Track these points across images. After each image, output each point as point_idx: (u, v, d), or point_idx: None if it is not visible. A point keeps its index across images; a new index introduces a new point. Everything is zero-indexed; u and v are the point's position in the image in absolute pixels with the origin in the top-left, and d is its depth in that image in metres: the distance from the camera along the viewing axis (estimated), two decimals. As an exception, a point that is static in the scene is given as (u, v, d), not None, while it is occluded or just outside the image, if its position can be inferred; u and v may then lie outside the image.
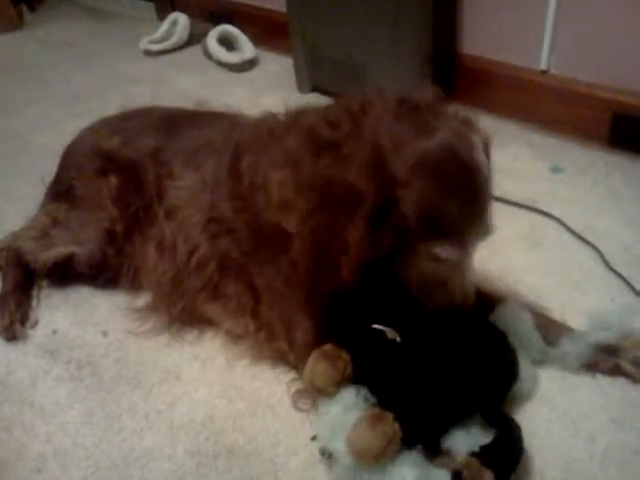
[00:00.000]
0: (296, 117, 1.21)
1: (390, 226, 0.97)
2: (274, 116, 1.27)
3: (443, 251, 1.00)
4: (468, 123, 1.05)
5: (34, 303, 1.48)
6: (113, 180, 1.43)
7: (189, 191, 1.34)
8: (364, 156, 0.97)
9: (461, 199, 0.96)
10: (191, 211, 1.32)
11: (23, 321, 1.43)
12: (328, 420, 1.03)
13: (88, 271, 1.47)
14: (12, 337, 1.39)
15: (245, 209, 1.21)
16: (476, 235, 1.02)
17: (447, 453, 1.01)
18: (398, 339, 1.06)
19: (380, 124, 1.00)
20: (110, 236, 1.42)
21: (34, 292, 1.51)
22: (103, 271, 1.47)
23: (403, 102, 1.03)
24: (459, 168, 0.96)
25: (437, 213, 0.96)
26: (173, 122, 1.48)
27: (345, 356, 1.07)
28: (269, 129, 1.23)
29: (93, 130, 1.57)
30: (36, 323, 1.44)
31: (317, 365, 1.06)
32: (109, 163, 1.45)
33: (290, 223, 1.08)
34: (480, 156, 1.00)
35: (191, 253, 1.31)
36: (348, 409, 1.02)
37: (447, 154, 0.96)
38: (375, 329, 1.08)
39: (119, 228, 1.42)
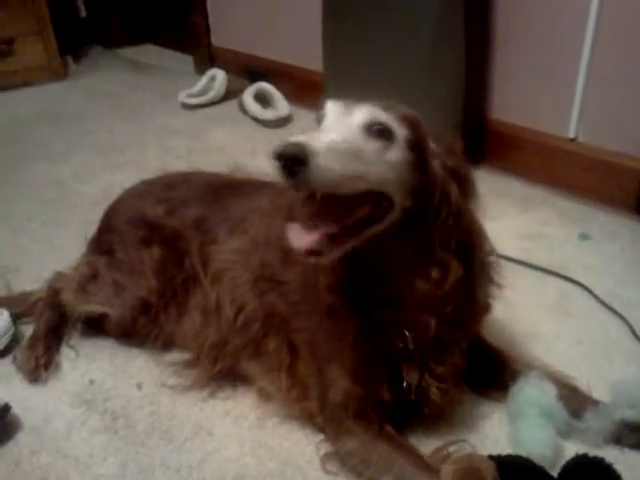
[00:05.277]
0: None
1: None
2: None
3: None
4: None
5: (72, 354, 1.52)
6: (156, 251, 1.45)
7: (238, 253, 1.35)
8: None
9: None
10: (239, 272, 1.34)
11: (47, 365, 1.46)
12: None
13: (116, 333, 1.51)
14: (34, 380, 1.43)
15: (296, 262, 1.19)
16: None
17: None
18: None
19: None
20: (145, 306, 1.45)
21: (65, 339, 1.55)
22: (131, 336, 1.50)
23: None
24: None
25: None
26: (218, 192, 1.50)
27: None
28: None
29: (136, 195, 1.59)
30: (58, 368, 1.47)
31: None
32: (152, 233, 1.47)
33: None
34: None
35: (238, 312, 1.33)
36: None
37: None
38: None
39: (155, 300, 1.44)
